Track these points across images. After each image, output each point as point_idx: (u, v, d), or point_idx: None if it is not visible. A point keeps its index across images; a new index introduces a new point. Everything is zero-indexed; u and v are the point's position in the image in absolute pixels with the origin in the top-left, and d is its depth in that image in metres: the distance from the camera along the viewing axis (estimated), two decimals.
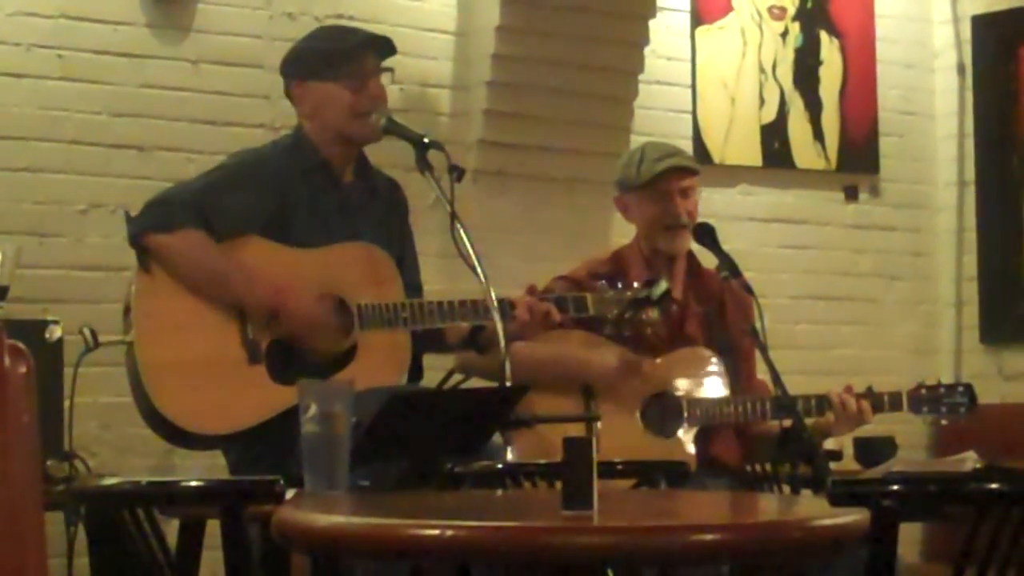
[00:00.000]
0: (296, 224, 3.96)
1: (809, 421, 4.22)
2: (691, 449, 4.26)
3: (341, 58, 4.02)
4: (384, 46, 4.09)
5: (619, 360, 4.25)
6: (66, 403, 4.17)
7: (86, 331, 3.90)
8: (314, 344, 3.87)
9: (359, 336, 3.92)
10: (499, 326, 3.73)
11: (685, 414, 4.29)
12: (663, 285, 4.08)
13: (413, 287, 4.12)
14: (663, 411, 4.30)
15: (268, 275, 3.89)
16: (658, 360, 4.34)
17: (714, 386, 4.33)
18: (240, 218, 3.91)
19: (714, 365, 4.36)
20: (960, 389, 4.35)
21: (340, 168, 4.07)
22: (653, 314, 4.09)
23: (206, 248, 3.85)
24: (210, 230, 3.87)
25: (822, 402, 4.27)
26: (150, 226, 3.86)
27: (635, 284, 4.13)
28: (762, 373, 4.28)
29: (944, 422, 4.37)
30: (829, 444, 4.36)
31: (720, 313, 4.45)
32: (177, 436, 3.89)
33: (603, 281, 4.14)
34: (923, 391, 4.34)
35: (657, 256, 4.43)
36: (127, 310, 3.88)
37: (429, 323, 3.95)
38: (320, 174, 4.03)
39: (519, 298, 4.00)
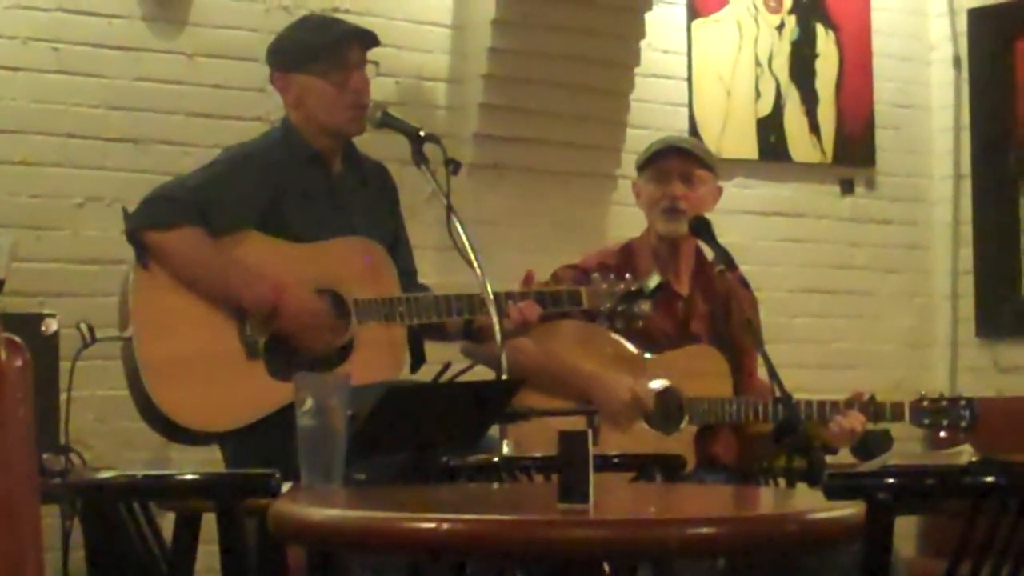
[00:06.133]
0: (291, 215, 3.96)
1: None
2: (691, 446, 4.25)
3: (323, 51, 4.01)
4: (367, 38, 4.08)
5: (622, 402, 4.24)
6: (63, 396, 4.18)
7: (83, 327, 3.90)
8: (311, 343, 3.86)
9: (356, 331, 3.92)
10: (495, 320, 3.73)
11: (686, 412, 4.28)
12: (655, 278, 4.08)
13: (407, 272, 4.13)
14: (665, 408, 4.30)
15: (267, 272, 3.88)
16: (663, 356, 4.34)
17: (717, 385, 4.33)
18: (238, 212, 3.91)
19: (718, 363, 4.35)
20: (962, 403, 4.33)
21: (329, 158, 4.07)
22: (645, 307, 4.08)
23: (204, 246, 3.85)
24: (208, 226, 3.86)
25: (827, 411, 4.27)
26: (148, 223, 3.86)
27: (627, 276, 4.13)
28: (760, 367, 4.27)
29: (943, 434, 4.36)
30: None
31: (726, 310, 4.44)
32: (175, 432, 3.89)
33: (597, 274, 4.14)
34: (925, 403, 4.32)
35: (664, 246, 4.42)
36: (124, 305, 3.88)
37: (425, 318, 3.96)
38: (311, 165, 4.04)
39: (516, 293, 4.00)
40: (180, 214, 3.85)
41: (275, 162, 4.01)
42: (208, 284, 3.87)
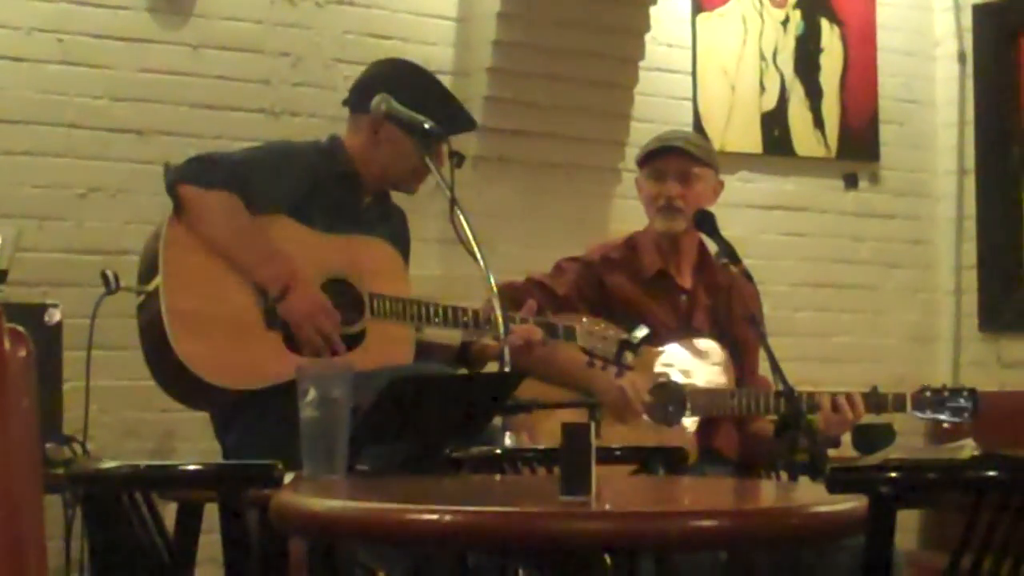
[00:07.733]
0: (318, 217, 3.99)
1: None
2: (693, 439, 4.26)
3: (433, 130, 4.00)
4: (470, 127, 4.19)
5: (621, 393, 4.24)
6: (67, 385, 4.19)
7: (108, 273, 3.91)
8: (308, 334, 3.86)
9: (369, 323, 3.95)
10: (499, 313, 3.75)
11: (688, 404, 4.29)
12: (643, 330, 4.05)
13: None
14: (667, 400, 4.30)
15: (290, 254, 3.90)
16: (664, 349, 4.35)
17: (718, 378, 4.33)
18: (274, 196, 3.94)
19: (720, 357, 4.35)
20: (964, 393, 4.33)
21: (364, 186, 4.10)
22: (629, 359, 4.05)
23: (237, 212, 3.87)
24: (245, 198, 3.89)
25: (812, 402, 4.26)
26: (188, 177, 3.88)
27: (613, 331, 4.09)
28: (762, 360, 4.28)
29: (946, 425, 4.36)
30: None
31: (728, 305, 4.44)
32: (188, 389, 3.87)
33: (586, 319, 4.13)
34: (927, 394, 4.32)
35: (666, 240, 4.43)
36: (149, 260, 3.87)
37: (433, 325, 3.99)
38: (345, 180, 4.07)
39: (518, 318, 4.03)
40: (222, 178, 3.88)
41: (315, 165, 4.04)
42: (230, 250, 3.88)
